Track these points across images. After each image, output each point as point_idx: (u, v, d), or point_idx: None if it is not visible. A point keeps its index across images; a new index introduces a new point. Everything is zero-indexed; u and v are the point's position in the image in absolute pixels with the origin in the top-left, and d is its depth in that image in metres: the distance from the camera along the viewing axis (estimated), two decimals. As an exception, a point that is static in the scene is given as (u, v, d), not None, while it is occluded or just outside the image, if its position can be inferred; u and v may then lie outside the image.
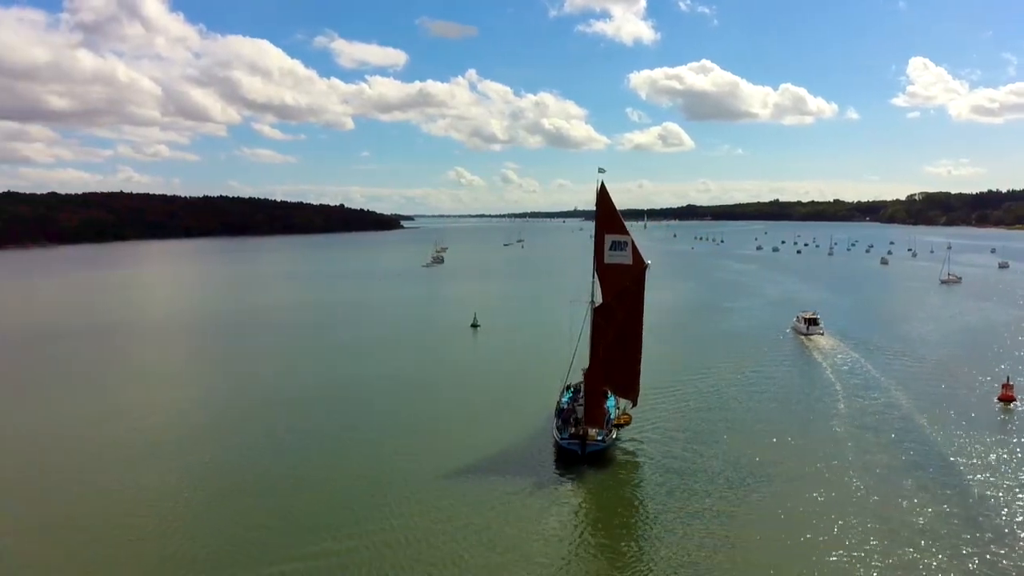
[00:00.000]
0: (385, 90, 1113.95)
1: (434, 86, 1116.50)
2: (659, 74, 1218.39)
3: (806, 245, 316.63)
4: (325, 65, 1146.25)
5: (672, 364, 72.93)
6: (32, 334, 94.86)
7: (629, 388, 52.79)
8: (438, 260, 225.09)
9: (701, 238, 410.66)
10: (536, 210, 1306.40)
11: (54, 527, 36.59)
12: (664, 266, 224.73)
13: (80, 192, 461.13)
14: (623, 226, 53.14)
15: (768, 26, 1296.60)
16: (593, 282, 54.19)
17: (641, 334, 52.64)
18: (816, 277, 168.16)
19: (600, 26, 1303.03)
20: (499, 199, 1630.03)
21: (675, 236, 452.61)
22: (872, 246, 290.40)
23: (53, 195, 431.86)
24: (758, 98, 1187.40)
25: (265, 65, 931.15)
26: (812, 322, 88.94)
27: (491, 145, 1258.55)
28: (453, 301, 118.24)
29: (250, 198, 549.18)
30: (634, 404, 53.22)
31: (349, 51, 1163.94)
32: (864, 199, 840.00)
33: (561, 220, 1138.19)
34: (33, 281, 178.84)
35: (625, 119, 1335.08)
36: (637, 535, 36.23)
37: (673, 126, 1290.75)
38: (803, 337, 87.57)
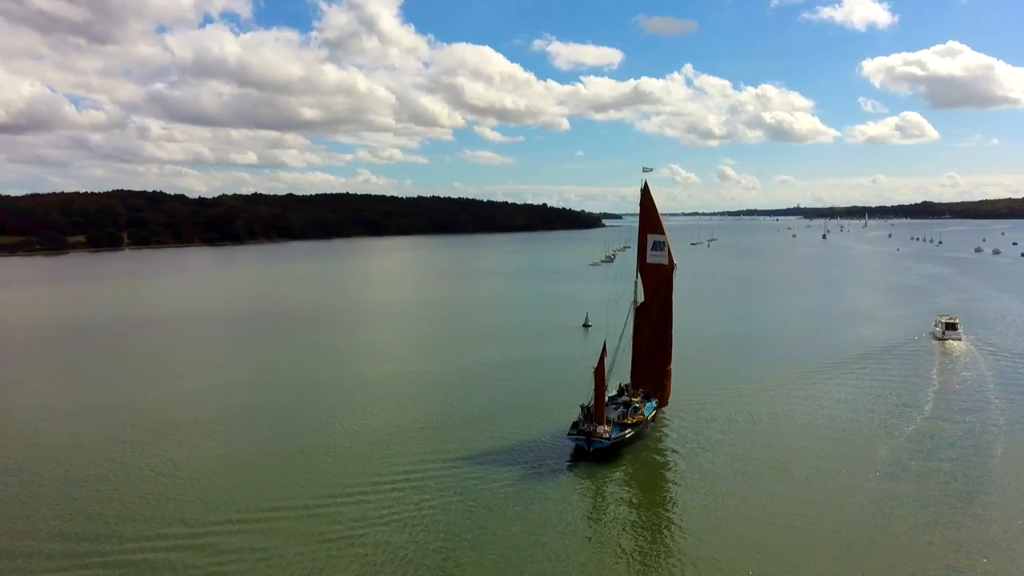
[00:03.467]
0: (600, 90, 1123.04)
1: (649, 83, 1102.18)
2: (896, 60, 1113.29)
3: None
4: (542, 68, 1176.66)
5: (770, 368, 70.59)
6: (260, 312, 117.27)
7: (659, 388, 52.72)
8: (609, 259, 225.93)
9: (917, 238, 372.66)
10: (755, 207, 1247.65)
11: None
12: (847, 267, 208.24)
13: (313, 194, 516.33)
14: (662, 226, 53.33)
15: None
16: (636, 281, 54.73)
17: (671, 335, 52.46)
18: (1020, 284, 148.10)
19: (828, 12, 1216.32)
20: (715, 196, 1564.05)
21: (889, 236, 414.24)
22: None
23: (290, 196, 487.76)
24: (1019, 81, 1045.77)
25: (487, 71, 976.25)
26: (950, 327, 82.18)
27: (707, 141, 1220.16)
28: (588, 300, 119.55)
29: (458, 198, 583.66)
30: (662, 404, 52.93)
31: (565, 53, 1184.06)
32: None
33: (774, 219, 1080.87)
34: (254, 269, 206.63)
35: (856, 110, 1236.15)
36: (605, 529, 37.56)
37: (913, 115, 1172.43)
38: (937, 343, 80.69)
